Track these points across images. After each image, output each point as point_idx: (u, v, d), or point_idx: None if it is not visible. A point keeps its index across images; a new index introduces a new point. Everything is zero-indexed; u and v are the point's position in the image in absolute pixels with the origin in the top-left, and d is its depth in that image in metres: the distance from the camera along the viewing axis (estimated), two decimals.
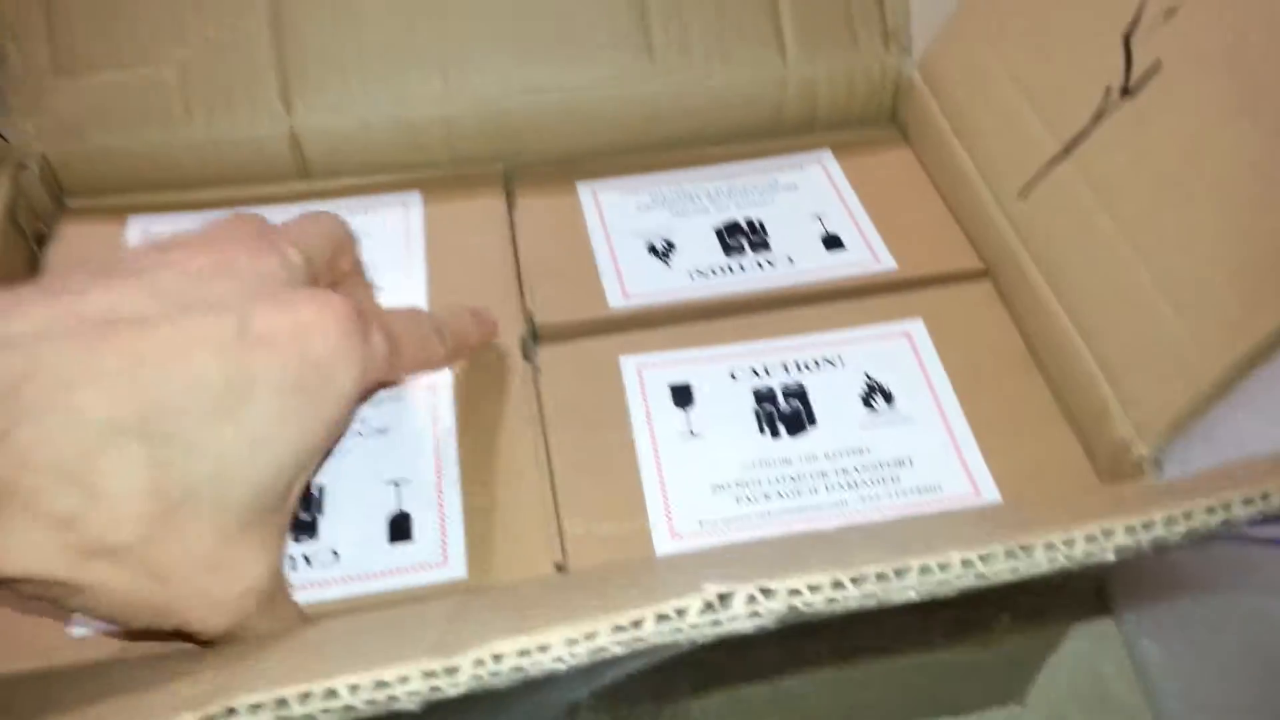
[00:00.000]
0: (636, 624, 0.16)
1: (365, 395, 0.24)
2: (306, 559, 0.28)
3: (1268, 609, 0.31)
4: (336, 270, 0.28)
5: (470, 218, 0.39)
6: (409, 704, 0.16)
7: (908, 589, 0.17)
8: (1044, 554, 0.18)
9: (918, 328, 0.35)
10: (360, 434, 0.31)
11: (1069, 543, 0.18)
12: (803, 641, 0.28)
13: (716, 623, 0.16)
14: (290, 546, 0.29)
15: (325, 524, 0.29)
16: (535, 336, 0.35)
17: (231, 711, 0.15)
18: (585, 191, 0.41)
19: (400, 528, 0.29)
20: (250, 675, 0.18)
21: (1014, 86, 0.36)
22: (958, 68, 0.40)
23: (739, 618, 0.16)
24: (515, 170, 0.41)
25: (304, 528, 0.29)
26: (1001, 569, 0.17)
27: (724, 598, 0.16)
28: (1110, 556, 0.18)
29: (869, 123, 0.44)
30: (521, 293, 0.36)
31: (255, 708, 0.15)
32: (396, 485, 0.30)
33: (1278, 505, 0.18)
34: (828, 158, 0.42)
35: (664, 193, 0.41)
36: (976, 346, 0.34)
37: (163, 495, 0.20)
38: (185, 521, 0.21)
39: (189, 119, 0.39)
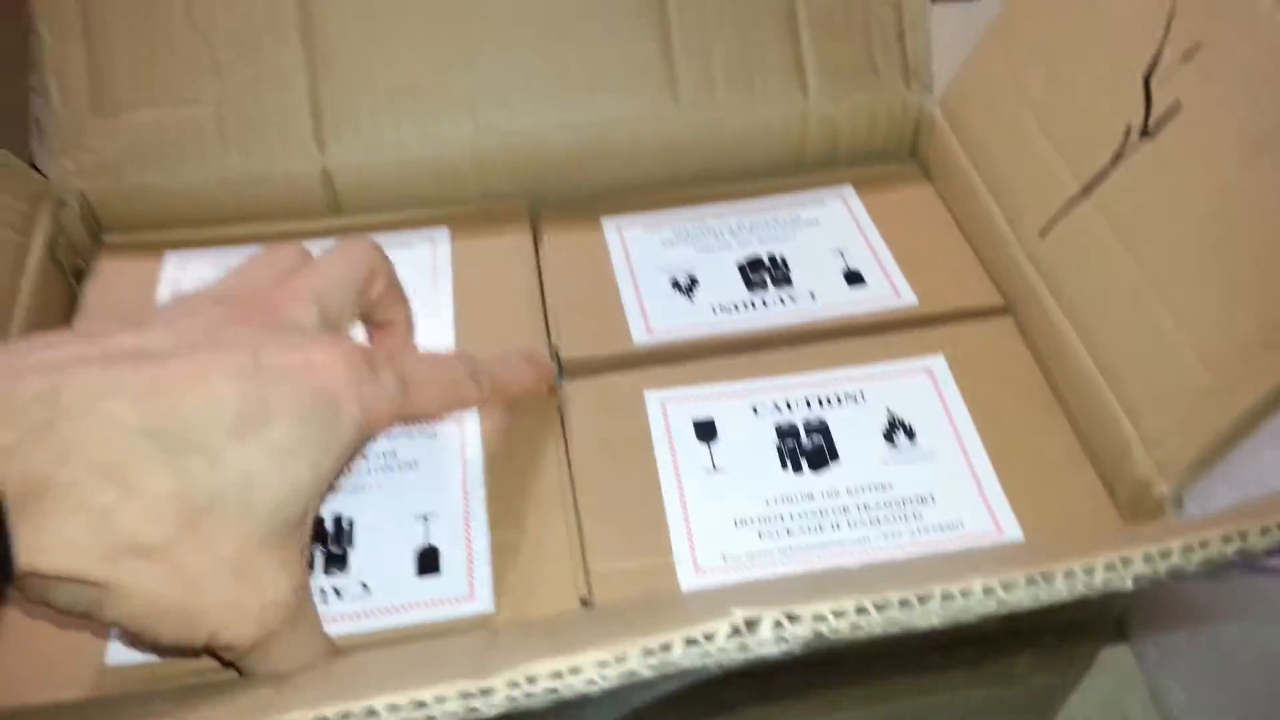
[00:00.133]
0: (665, 648, 0.17)
1: (375, 431, 0.25)
2: (337, 591, 0.29)
3: None
4: (367, 298, 0.29)
5: (497, 253, 0.40)
6: None
7: (930, 615, 0.17)
8: (1064, 582, 0.18)
9: (939, 364, 0.35)
10: (389, 468, 0.32)
11: (1089, 570, 0.18)
12: (828, 680, 0.29)
13: (744, 647, 0.17)
14: (321, 579, 0.29)
15: (355, 557, 0.30)
16: (561, 371, 0.35)
17: None
18: (610, 227, 0.41)
19: (428, 561, 0.30)
20: (288, 698, 0.19)
21: (1034, 125, 0.37)
22: (978, 106, 0.40)
23: (766, 642, 0.17)
24: (541, 206, 0.42)
25: (334, 560, 0.29)
26: (1022, 596, 0.18)
27: (751, 623, 0.17)
28: (1129, 584, 0.18)
29: (890, 158, 0.44)
30: (547, 327, 0.37)
31: None
32: (425, 519, 0.31)
33: None
34: (849, 193, 0.43)
35: (687, 228, 0.41)
36: (998, 383, 0.35)
37: (190, 500, 0.22)
38: (212, 528, 0.22)
39: (224, 157, 0.40)
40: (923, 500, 0.31)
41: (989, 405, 0.34)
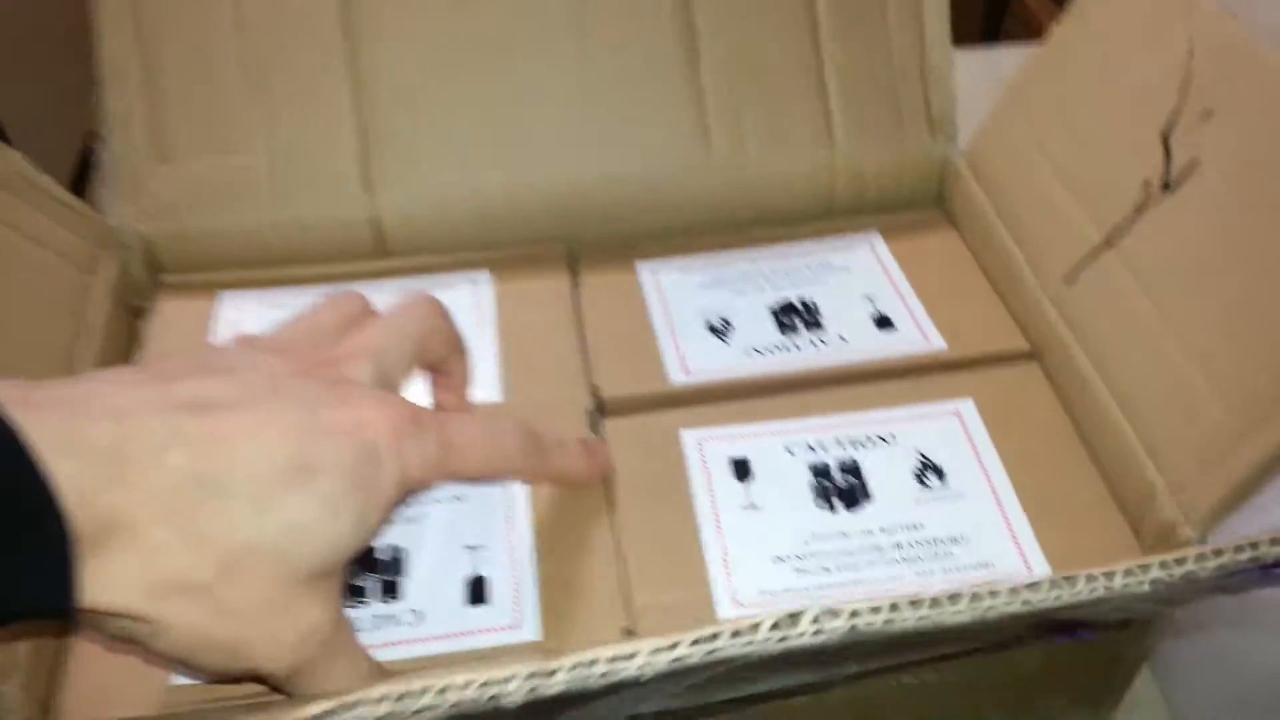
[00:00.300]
0: (714, 637, 0.18)
1: (415, 489, 0.27)
2: (391, 618, 0.30)
3: None
4: (425, 356, 0.30)
5: (537, 295, 0.42)
6: (514, 698, 0.18)
7: (960, 613, 0.19)
8: (1085, 584, 0.19)
9: (968, 407, 0.36)
10: (441, 500, 0.33)
11: (1109, 575, 0.19)
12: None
13: (785, 639, 0.18)
14: (376, 606, 0.30)
15: (408, 585, 0.31)
16: (601, 410, 0.37)
17: (356, 703, 0.17)
18: (645, 271, 0.43)
19: (477, 590, 0.31)
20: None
21: (1057, 177, 0.38)
22: (1003, 157, 0.42)
23: (805, 634, 0.18)
24: (579, 250, 0.44)
25: (389, 589, 0.31)
26: (1046, 596, 0.19)
27: (793, 616, 0.18)
28: (1146, 587, 0.19)
29: (916, 206, 0.46)
30: (587, 367, 0.38)
31: (379, 699, 0.17)
32: (473, 550, 0.32)
33: None
34: (876, 240, 0.44)
35: (721, 273, 0.43)
36: (1025, 427, 0.36)
37: (233, 544, 0.23)
38: (253, 569, 0.24)
39: (277, 203, 0.42)
40: (954, 540, 0.32)
41: (1017, 448, 0.35)
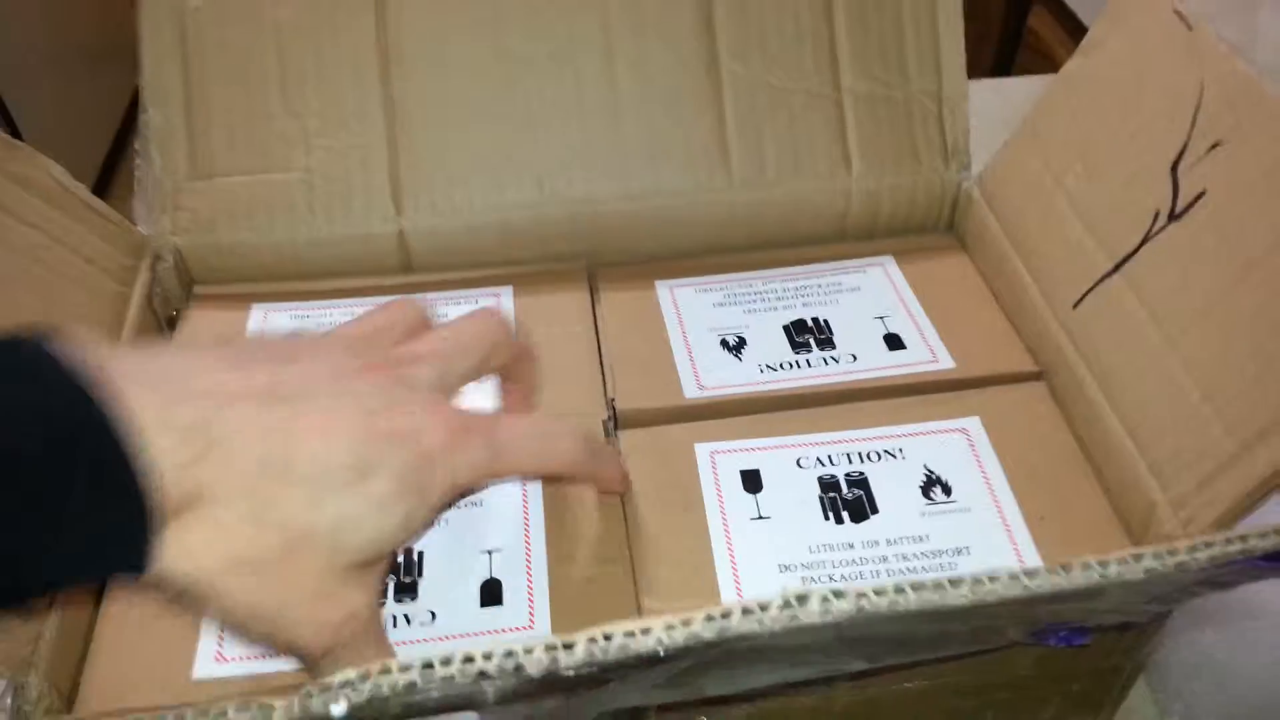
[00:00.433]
0: (726, 615, 0.19)
1: (461, 492, 0.28)
2: (407, 618, 0.31)
3: None
4: (487, 366, 0.31)
5: (557, 311, 0.43)
6: (532, 671, 0.19)
7: (961, 597, 0.19)
8: (1081, 572, 0.20)
9: (975, 425, 0.37)
10: (457, 505, 0.34)
11: (1103, 563, 0.20)
12: None
13: (794, 618, 0.19)
14: (392, 606, 0.31)
15: (424, 586, 0.32)
16: (616, 422, 0.38)
17: (385, 670, 0.18)
18: (663, 289, 0.44)
19: (492, 592, 0.32)
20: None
21: (1068, 206, 0.39)
22: (1015, 186, 0.43)
23: (813, 614, 0.19)
24: (598, 268, 0.45)
25: (406, 589, 0.32)
26: (1044, 582, 0.20)
27: (801, 597, 0.19)
28: (1140, 575, 0.20)
29: (928, 230, 0.47)
30: (604, 381, 0.39)
31: (405, 668, 0.18)
32: (489, 553, 0.33)
33: None
34: (889, 263, 0.45)
35: (736, 291, 0.44)
36: (1031, 444, 0.36)
37: (290, 530, 0.25)
38: (305, 555, 0.25)
39: (309, 219, 0.43)
40: (958, 552, 0.33)
41: (1023, 465, 0.36)
